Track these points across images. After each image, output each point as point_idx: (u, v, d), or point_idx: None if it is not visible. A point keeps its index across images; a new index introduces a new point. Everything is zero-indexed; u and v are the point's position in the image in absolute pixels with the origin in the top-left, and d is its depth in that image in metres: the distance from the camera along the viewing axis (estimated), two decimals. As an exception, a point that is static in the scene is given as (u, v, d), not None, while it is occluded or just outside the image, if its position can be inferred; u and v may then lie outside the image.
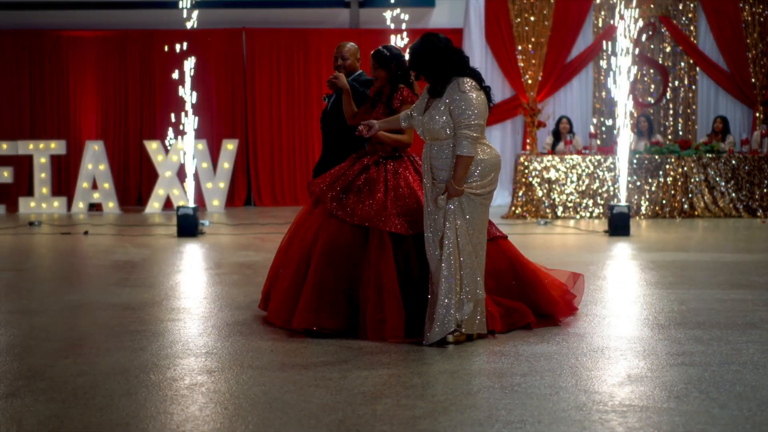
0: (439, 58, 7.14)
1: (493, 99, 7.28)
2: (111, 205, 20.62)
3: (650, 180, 18.48)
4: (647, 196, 18.48)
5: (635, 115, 19.14)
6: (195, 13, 16.31)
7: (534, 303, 7.87)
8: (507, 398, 5.67)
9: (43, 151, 20.89)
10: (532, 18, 21.42)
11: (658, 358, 6.78)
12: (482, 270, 7.30)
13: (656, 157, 18.50)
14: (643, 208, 18.44)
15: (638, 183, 18.39)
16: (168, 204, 20.62)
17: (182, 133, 16.25)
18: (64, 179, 22.23)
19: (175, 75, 16.51)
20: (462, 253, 7.08)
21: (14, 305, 9.03)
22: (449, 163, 7.11)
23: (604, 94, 21.64)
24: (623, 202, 15.81)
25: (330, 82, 8.30)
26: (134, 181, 22.71)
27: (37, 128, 22.67)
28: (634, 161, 18.27)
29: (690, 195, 18.48)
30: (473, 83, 7.11)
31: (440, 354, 6.89)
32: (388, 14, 19.63)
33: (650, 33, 21.64)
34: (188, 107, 16.04)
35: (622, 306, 8.94)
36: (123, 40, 22.70)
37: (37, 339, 7.49)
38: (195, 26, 16.47)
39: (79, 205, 20.74)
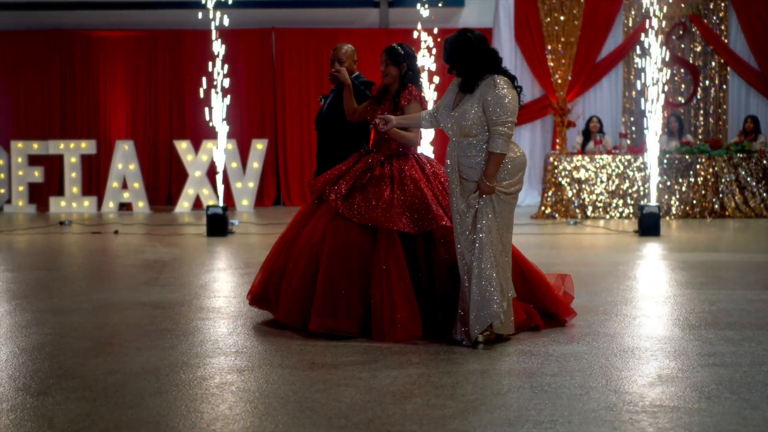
0: (475, 53, 7.08)
1: (522, 100, 7.25)
2: (141, 205, 20.70)
3: (680, 180, 18.41)
4: (678, 196, 18.41)
5: (666, 115, 19.06)
6: (219, 13, 16.34)
7: (540, 303, 7.84)
8: (537, 398, 5.65)
9: (73, 151, 20.99)
10: (561, 17, 21.37)
11: (689, 358, 6.75)
12: (510, 269, 7.29)
13: (687, 157, 18.42)
14: (673, 208, 18.37)
15: (668, 183, 18.32)
16: (197, 203, 20.68)
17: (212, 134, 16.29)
18: (94, 179, 22.33)
19: (205, 75, 16.56)
20: (494, 251, 7.06)
21: (45, 304, 9.06)
22: (477, 161, 7.06)
23: (634, 93, 21.56)
24: (653, 202, 15.75)
25: (332, 76, 8.29)
26: (164, 180, 22.80)
27: (67, 128, 22.79)
28: (665, 161, 18.19)
29: (721, 195, 18.40)
30: (507, 81, 7.08)
31: (470, 354, 6.88)
32: (417, 14, 19.60)
33: (681, 32, 21.55)
34: (217, 107, 16.07)
35: (652, 306, 8.90)
36: (153, 40, 22.80)
37: (68, 338, 7.52)
38: (226, 25, 16.49)
39: (109, 205, 20.83)
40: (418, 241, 7.58)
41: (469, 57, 7.09)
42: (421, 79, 8.03)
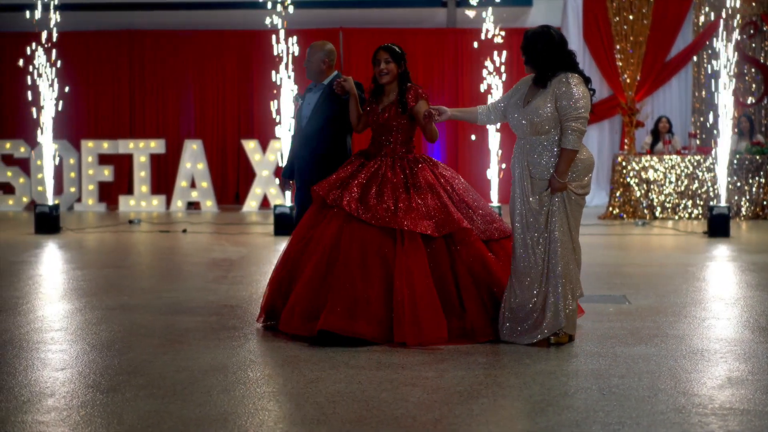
0: (553, 49, 7.08)
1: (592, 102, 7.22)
2: (209, 204, 20.86)
3: (751, 180, 18.20)
4: (747, 197, 18.21)
5: (736, 115, 18.85)
6: (288, 12, 16.42)
7: None
8: (604, 400, 5.61)
9: (142, 150, 21.21)
10: (630, 16, 21.20)
11: (759, 361, 6.68)
12: (579, 268, 7.27)
13: (757, 157, 18.21)
14: (743, 209, 18.18)
15: (738, 183, 18.12)
16: (265, 203, 20.80)
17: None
18: (163, 178, 22.51)
19: (273, 75, 16.65)
20: (565, 251, 7.05)
21: (115, 302, 9.15)
22: (547, 160, 7.04)
23: (704, 93, 21.35)
24: (723, 203, 15.60)
25: (340, 86, 8.01)
26: (232, 179, 22.95)
27: (136, 127, 23.02)
28: (735, 161, 17.99)
29: (791, 196, 18.19)
30: (581, 79, 7.10)
31: (537, 354, 6.85)
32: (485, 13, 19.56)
33: (752, 32, 21.29)
34: (285, 107, 16.15)
35: (722, 308, 8.81)
36: (222, 40, 22.95)
37: (137, 335, 7.59)
38: (293, 26, 16.56)
39: (178, 204, 21.01)
40: (440, 245, 7.46)
41: (547, 52, 7.08)
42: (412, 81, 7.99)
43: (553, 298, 7.01)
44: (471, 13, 19.66)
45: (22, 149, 21.23)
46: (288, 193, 15.92)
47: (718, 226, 15.01)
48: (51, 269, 11.92)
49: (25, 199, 21.35)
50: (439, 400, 5.63)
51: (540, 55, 7.08)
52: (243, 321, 8.14)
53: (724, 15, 16.33)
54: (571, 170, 7.05)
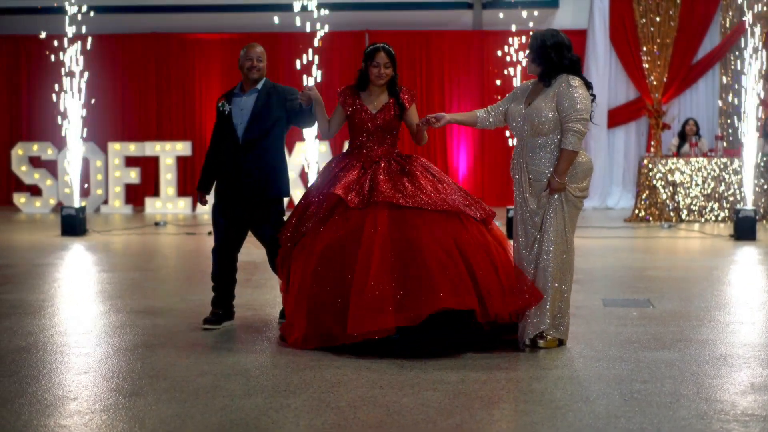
0: (561, 51, 7.12)
1: (594, 109, 7.24)
2: (235, 206, 20.84)
3: (778, 183, 18.10)
4: (775, 200, 18.11)
5: (762, 117, 18.74)
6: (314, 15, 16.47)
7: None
8: (626, 405, 5.60)
9: (169, 153, 21.27)
10: (657, 18, 21.15)
11: (784, 366, 6.66)
12: (572, 269, 7.28)
13: (784, 159, 18.11)
14: (770, 212, 18.08)
15: (765, 186, 18.00)
16: (291, 205, 20.77)
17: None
18: (189, 180, 22.53)
19: (299, 77, 16.68)
20: (557, 251, 7.10)
21: (139, 305, 9.18)
22: (546, 164, 7.08)
23: (731, 95, 21.24)
24: (749, 206, 15.53)
25: (305, 96, 7.91)
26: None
27: (163, 130, 23.07)
28: (761, 164, 17.88)
29: (819, 198, 18.07)
30: (581, 81, 7.13)
31: (559, 359, 6.84)
32: (511, 15, 19.54)
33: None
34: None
35: (747, 312, 8.76)
36: (244, 43, 22.93)
37: (161, 338, 7.61)
38: (319, 28, 16.61)
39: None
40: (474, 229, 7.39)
41: (555, 52, 7.11)
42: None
43: (549, 300, 7.06)
44: (501, 14, 19.66)
45: (50, 151, 21.33)
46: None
47: (744, 229, 14.93)
48: (76, 272, 11.98)
49: (52, 201, 21.44)
50: (460, 405, 5.63)
51: (547, 53, 7.12)
52: (266, 324, 8.17)
53: (750, 18, 16.24)
54: (570, 172, 7.07)
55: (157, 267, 12.55)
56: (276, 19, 19.85)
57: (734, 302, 9.41)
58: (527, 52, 7.31)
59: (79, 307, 9.13)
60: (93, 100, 17.53)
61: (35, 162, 21.85)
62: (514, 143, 7.58)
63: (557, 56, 7.10)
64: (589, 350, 7.11)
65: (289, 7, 17.12)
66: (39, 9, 18.57)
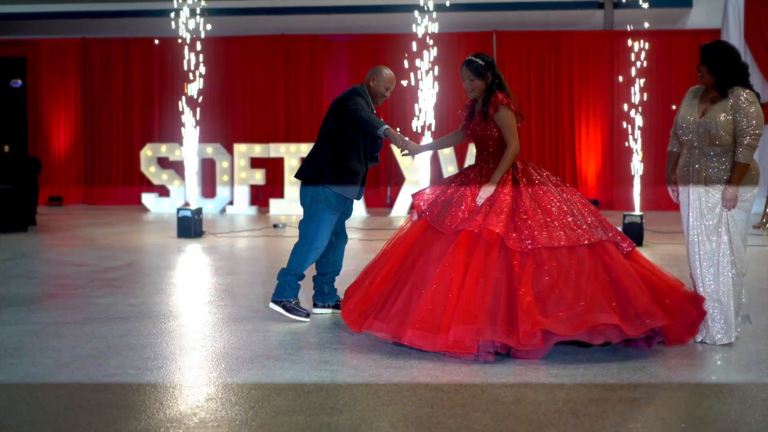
0: (736, 64, 7.42)
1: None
2: (359, 208, 20.75)
3: None
4: None
5: None
6: (431, 15, 16.29)
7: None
8: (685, 433, 5.27)
9: (294, 154, 21.30)
10: (795, 16, 20.43)
11: None
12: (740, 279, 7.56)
13: None
14: None
15: None
16: (415, 207, 20.63)
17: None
18: (313, 181, 22.54)
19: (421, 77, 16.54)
20: (729, 261, 7.44)
21: (223, 313, 9.04)
22: (722, 170, 7.36)
23: None
24: None
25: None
26: (383, 182, 22.87)
27: (291, 131, 23.18)
28: None
29: None
30: (753, 95, 7.41)
31: (627, 378, 6.48)
32: (643, 14, 19.01)
33: None
34: (428, 110, 16.03)
35: None
36: (375, 44, 22.95)
37: (234, 348, 7.47)
38: (435, 30, 16.43)
39: (326, 208, 20.99)
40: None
41: (732, 65, 7.40)
42: (505, 82, 7.83)
43: (734, 306, 7.50)
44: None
45: (177, 152, 21.56)
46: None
47: None
48: (179, 275, 11.92)
49: (179, 202, 21.67)
50: (505, 429, 5.35)
51: (726, 67, 7.39)
52: (332, 336, 7.96)
53: None
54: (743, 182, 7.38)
55: (257, 271, 12.13)
56: (404, 20, 19.77)
57: None
58: (699, 62, 7.49)
59: (164, 314, 9.05)
60: (220, 102, 17.61)
61: (164, 163, 22.14)
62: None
63: (733, 67, 7.39)
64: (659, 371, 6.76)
65: (412, 8, 17.02)
66: (173, 11, 18.67)
